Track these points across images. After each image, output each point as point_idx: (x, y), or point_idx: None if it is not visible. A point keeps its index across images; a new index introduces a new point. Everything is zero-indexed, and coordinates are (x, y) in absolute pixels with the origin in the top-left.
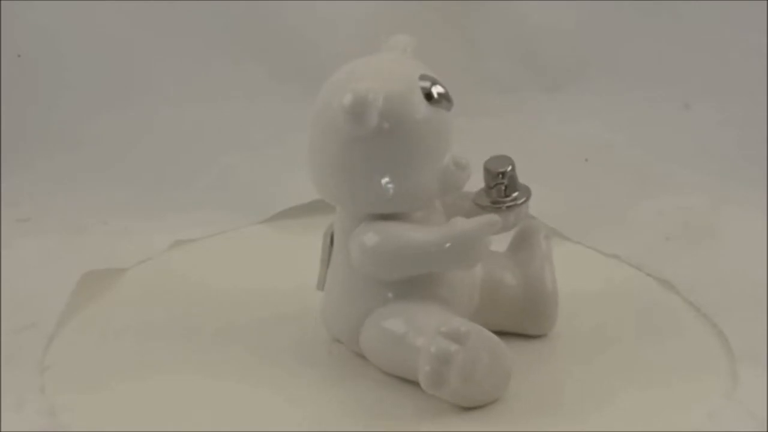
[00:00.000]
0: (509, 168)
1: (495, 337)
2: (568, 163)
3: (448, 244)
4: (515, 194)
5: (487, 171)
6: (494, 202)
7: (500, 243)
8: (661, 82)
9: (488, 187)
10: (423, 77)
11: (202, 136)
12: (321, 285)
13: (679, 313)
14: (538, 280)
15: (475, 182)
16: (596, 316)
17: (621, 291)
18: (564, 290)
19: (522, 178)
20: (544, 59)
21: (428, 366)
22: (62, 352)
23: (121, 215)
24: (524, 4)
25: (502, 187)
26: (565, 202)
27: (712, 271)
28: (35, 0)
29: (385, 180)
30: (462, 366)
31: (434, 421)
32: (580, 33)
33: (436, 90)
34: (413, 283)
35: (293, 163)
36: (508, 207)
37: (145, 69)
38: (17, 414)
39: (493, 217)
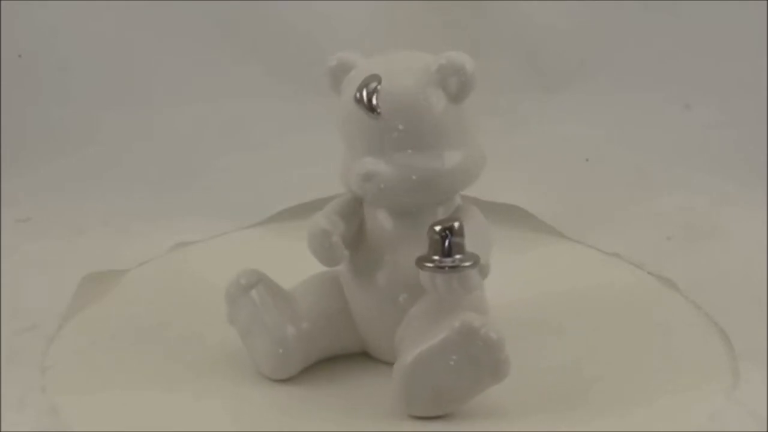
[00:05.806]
0: (454, 225)
1: (270, 314)
2: (568, 163)
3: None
4: (458, 257)
5: (430, 229)
6: (433, 262)
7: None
8: (661, 82)
9: (430, 246)
10: (367, 77)
11: (202, 136)
12: None
13: (680, 311)
14: (403, 349)
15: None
16: (596, 315)
17: (622, 290)
18: (564, 289)
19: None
20: (544, 59)
21: (225, 298)
22: (63, 352)
23: (121, 217)
24: (525, 4)
25: (442, 248)
26: (565, 201)
27: (713, 270)
28: (35, 0)
29: None
30: (241, 310)
31: (433, 422)
32: (580, 33)
33: (357, 93)
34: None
35: (293, 163)
36: (450, 268)
37: (145, 69)
38: (18, 414)
39: (324, 229)
